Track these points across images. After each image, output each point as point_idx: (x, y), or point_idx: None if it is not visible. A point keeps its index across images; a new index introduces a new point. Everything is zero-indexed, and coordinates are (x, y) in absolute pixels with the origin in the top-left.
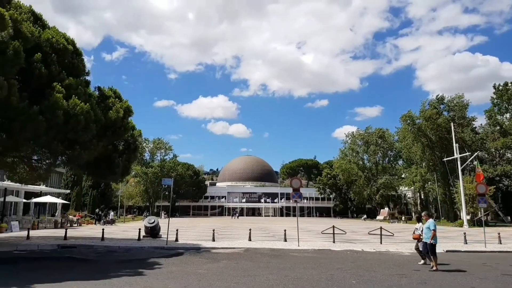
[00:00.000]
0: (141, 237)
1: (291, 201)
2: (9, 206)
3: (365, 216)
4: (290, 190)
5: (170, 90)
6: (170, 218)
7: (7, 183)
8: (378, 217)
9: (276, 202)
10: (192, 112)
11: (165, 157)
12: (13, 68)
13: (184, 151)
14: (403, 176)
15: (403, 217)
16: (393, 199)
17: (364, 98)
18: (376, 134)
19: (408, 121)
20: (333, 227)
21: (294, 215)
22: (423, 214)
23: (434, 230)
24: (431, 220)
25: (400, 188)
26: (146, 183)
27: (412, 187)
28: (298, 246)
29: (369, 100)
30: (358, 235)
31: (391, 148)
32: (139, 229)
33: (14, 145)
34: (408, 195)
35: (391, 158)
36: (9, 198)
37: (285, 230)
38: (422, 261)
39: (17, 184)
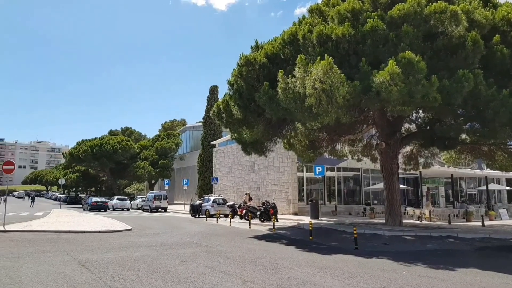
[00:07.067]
0: None
1: None
2: (492, 194)
3: None
4: None
5: None
6: None
7: (487, 171)
8: None
9: None
10: None
11: None
12: (475, 58)
13: None
14: None
15: None
16: None
17: None
18: None
19: None
20: None
21: None
22: None
23: None
24: None
25: None
26: None
27: None
28: None
29: None
30: None
31: None
32: None
33: (490, 133)
34: None
35: None
36: (491, 186)
37: None
38: None
39: (497, 171)
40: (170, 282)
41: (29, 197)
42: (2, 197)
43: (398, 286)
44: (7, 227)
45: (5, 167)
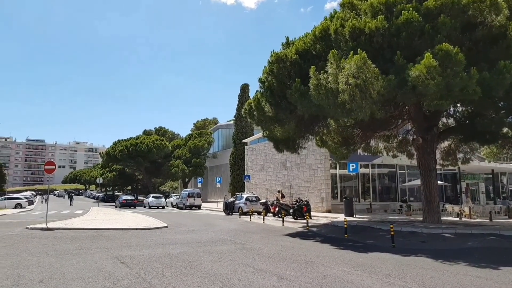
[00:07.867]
0: None
1: None
2: None
3: None
4: None
5: None
6: None
7: None
8: None
9: None
10: None
11: None
12: None
13: None
14: None
15: None
16: None
17: None
18: None
19: None
20: None
21: None
22: None
23: None
24: None
25: None
26: None
27: None
28: None
29: None
30: None
31: None
32: None
33: None
34: None
35: None
36: None
37: None
38: None
39: None
40: (206, 278)
41: (68, 196)
42: (43, 196)
43: (439, 285)
44: (49, 225)
45: (46, 167)
